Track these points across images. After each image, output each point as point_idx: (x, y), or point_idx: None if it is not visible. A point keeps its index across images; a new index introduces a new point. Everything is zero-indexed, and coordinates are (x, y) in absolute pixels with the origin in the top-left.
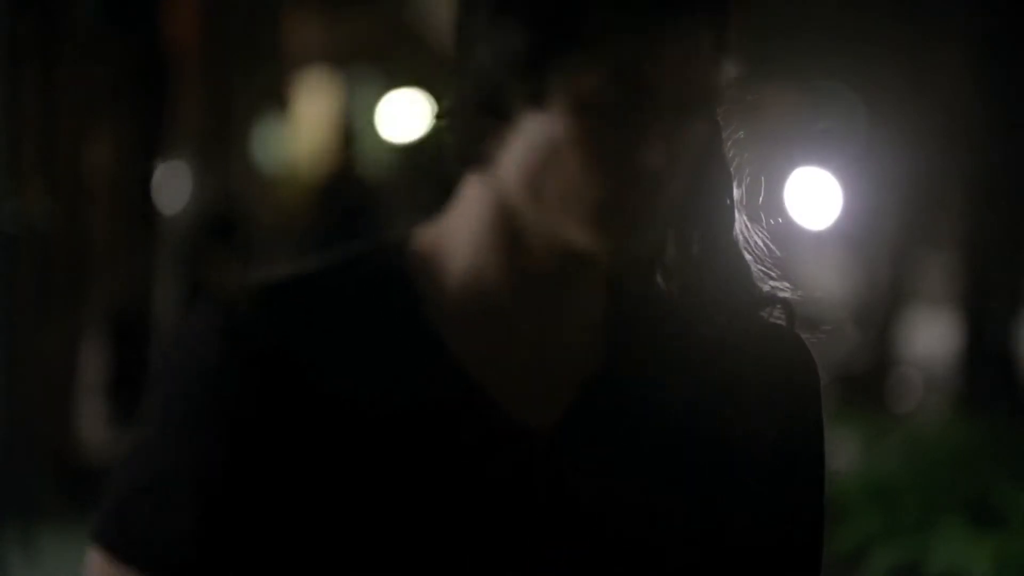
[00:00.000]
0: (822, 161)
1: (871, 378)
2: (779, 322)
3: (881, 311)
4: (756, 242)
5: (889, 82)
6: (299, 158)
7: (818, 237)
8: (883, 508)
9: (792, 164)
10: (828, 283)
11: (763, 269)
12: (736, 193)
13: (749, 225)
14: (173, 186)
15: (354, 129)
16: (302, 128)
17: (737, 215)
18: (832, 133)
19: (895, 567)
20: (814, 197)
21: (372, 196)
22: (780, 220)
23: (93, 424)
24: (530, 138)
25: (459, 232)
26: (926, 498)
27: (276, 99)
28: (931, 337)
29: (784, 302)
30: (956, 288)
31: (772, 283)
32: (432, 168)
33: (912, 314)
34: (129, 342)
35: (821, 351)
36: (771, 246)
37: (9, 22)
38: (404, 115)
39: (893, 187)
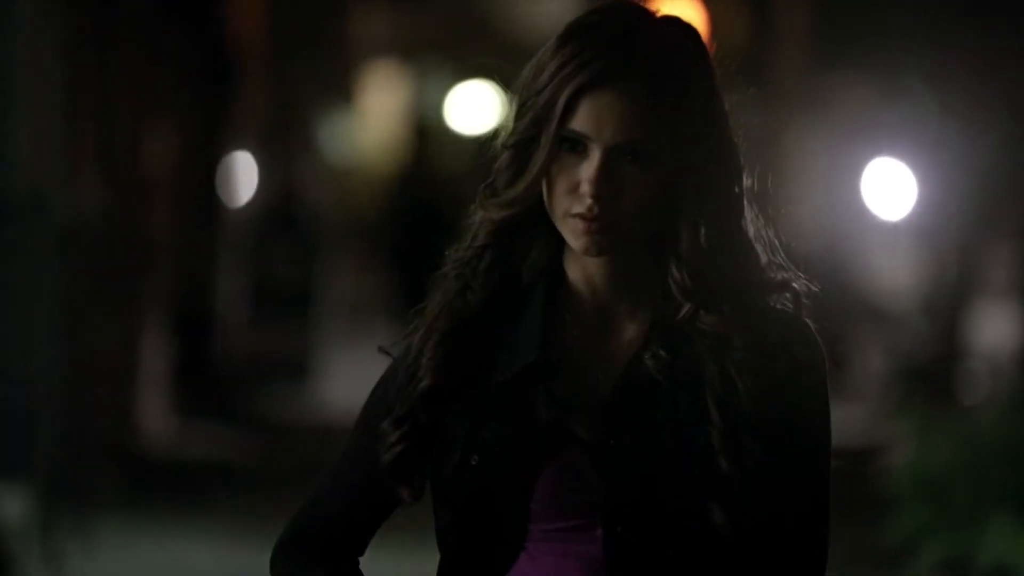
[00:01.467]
0: (896, 152)
1: (938, 370)
2: (787, 307)
3: (949, 302)
4: (768, 235)
5: (959, 75)
6: (366, 151)
7: (893, 228)
8: (934, 501)
9: (868, 155)
10: (900, 274)
11: (775, 260)
12: (746, 184)
13: (762, 218)
14: (237, 179)
15: (422, 121)
16: (369, 121)
17: (747, 208)
18: (904, 125)
19: (945, 560)
20: (889, 188)
21: (441, 188)
22: (851, 210)
23: (154, 415)
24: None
25: None
26: (977, 492)
27: (342, 92)
28: (999, 329)
29: (791, 289)
30: None
31: (782, 273)
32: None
33: (980, 305)
34: (190, 334)
35: (889, 342)
36: (782, 238)
37: (71, 14)
38: (472, 107)
39: (963, 179)
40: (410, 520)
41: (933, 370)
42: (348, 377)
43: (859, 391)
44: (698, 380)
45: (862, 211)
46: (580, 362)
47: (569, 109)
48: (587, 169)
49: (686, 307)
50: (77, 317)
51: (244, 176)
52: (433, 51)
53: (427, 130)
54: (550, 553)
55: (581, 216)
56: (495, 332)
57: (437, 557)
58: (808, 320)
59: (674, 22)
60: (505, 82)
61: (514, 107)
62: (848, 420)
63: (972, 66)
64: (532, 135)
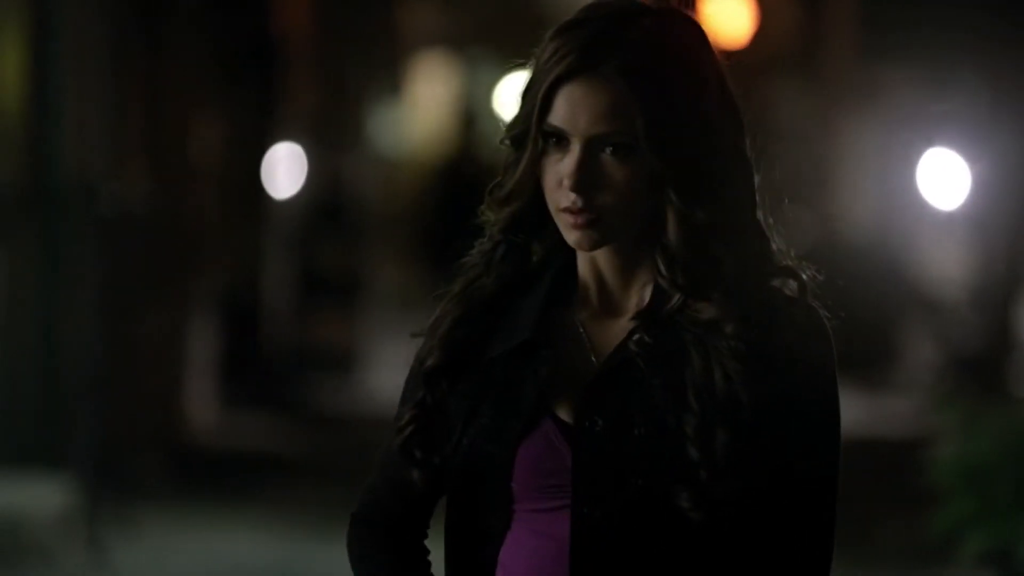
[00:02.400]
0: (949, 143)
1: (988, 361)
2: (792, 294)
3: (1000, 293)
4: (778, 226)
5: (1011, 64)
6: (414, 142)
7: (946, 219)
8: (979, 493)
9: (920, 146)
10: (951, 265)
11: (782, 249)
12: (756, 180)
13: (772, 209)
14: (284, 170)
15: (471, 112)
16: (417, 111)
17: (758, 200)
18: (956, 116)
19: (988, 552)
20: (942, 179)
21: (490, 179)
22: (909, 198)
23: (200, 405)
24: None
25: None
26: (1020, 483)
27: (391, 82)
28: None
29: (794, 275)
30: None
31: (784, 260)
32: None
33: None
34: (237, 325)
35: (940, 333)
36: (783, 230)
37: (120, 4)
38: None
39: (1015, 169)
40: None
41: (983, 361)
42: (394, 368)
43: (909, 382)
44: (680, 368)
45: (914, 202)
46: (576, 346)
47: (547, 103)
48: (568, 163)
49: (675, 297)
50: (123, 307)
51: (292, 167)
52: (483, 41)
53: (476, 121)
54: (530, 533)
55: (568, 210)
56: (501, 316)
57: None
58: (814, 305)
59: (666, 14)
60: None
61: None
62: (897, 411)
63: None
64: (523, 131)
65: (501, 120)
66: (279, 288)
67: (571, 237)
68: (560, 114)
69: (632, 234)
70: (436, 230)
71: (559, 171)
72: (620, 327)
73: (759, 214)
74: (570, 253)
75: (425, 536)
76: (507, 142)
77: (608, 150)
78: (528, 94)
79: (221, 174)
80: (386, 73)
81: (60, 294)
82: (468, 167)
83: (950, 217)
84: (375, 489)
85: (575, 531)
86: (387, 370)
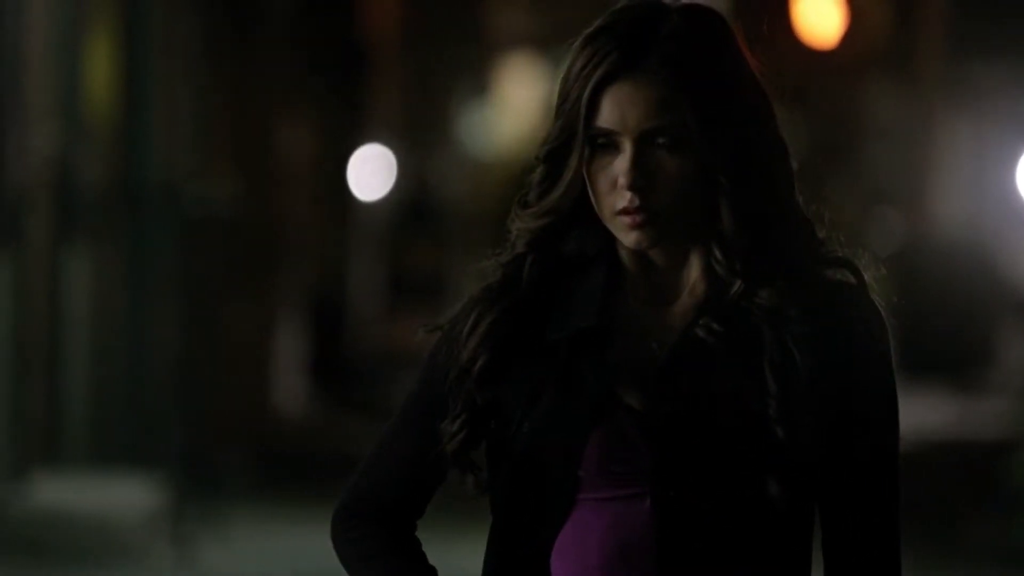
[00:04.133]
0: None
1: None
2: (847, 281)
3: None
4: (824, 213)
5: None
6: (503, 142)
7: None
8: None
9: (1017, 143)
10: None
11: (831, 237)
12: (795, 166)
13: (817, 200)
14: (372, 170)
15: None
16: (507, 112)
17: (797, 191)
18: None
19: None
20: None
21: None
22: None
23: (288, 405)
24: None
25: None
26: None
27: (480, 83)
28: None
29: (849, 264)
30: None
31: (840, 249)
32: None
33: None
34: (325, 325)
35: None
36: (830, 219)
37: (207, 6)
38: None
39: None
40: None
41: None
42: None
43: (1003, 385)
44: (754, 349)
45: (1010, 201)
46: (635, 332)
47: (593, 107)
48: (621, 163)
49: (736, 284)
50: (210, 307)
51: (379, 168)
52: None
53: None
54: (598, 522)
55: (625, 211)
56: (546, 305)
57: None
58: (872, 295)
59: (694, 9)
60: None
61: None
62: (990, 414)
63: None
64: (564, 140)
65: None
66: (366, 289)
67: (630, 238)
68: (608, 116)
69: (683, 229)
70: None
71: (611, 173)
72: (677, 315)
73: (800, 201)
74: (611, 250)
75: (415, 527)
76: (540, 157)
77: (660, 144)
78: (565, 104)
79: (308, 175)
80: (473, 74)
81: (148, 295)
82: None
83: None
84: (361, 487)
85: (660, 518)
86: None
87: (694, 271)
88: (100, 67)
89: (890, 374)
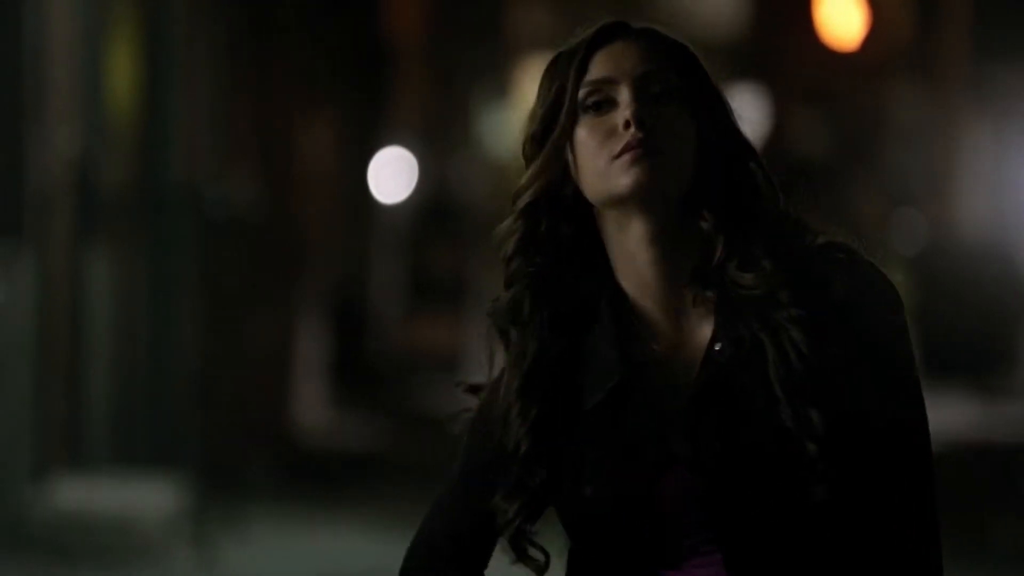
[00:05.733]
0: None
1: None
2: (847, 256)
3: None
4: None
5: None
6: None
7: None
8: None
9: None
10: None
11: (815, 224)
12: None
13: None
14: (393, 172)
15: None
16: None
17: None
18: None
19: None
20: None
21: None
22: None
23: (309, 407)
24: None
25: None
26: None
27: (501, 85)
28: None
29: (842, 244)
30: None
31: (829, 232)
32: None
33: None
34: (346, 327)
35: None
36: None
37: (229, 9)
38: None
39: None
40: None
41: None
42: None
43: None
44: (763, 363)
45: None
46: (661, 371)
47: (584, 70)
48: (622, 109)
49: (718, 252)
50: (231, 310)
51: (400, 170)
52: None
53: None
54: (683, 564)
55: (626, 147)
56: (571, 357)
57: None
58: (875, 266)
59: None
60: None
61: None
62: (1014, 416)
63: None
64: (551, 116)
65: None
66: (387, 291)
67: (629, 176)
68: (601, 68)
69: (679, 200)
70: None
71: (607, 124)
72: (693, 339)
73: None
74: (611, 282)
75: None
76: (527, 146)
77: (655, 93)
78: (548, 95)
79: (329, 177)
80: (495, 76)
81: (169, 296)
82: None
83: None
84: (433, 532)
85: (732, 567)
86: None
87: (690, 273)
88: (122, 68)
89: (902, 335)
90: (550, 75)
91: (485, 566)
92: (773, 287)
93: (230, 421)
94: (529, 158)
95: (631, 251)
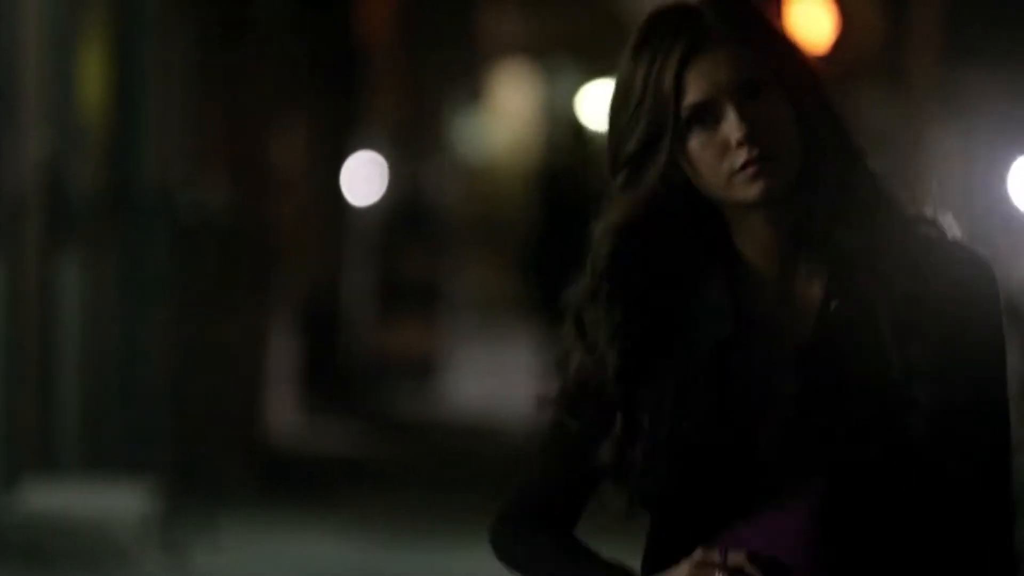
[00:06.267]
0: None
1: None
2: (937, 234)
3: None
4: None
5: None
6: (496, 149)
7: None
8: None
9: (1010, 153)
10: None
11: (908, 197)
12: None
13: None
14: (365, 176)
15: (553, 120)
16: (498, 118)
17: (869, 160)
18: None
19: None
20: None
21: (579, 185)
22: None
23: (281, 411)
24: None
25: None
26: None
27: (473, 89)
28: None
29: (933, 221)
30: None
31: (919, 208)
32: None
33: None
34: (318, 331)
35: None
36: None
37: (201, 11)
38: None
39: None
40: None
41: None
42: (475, 375)
43: None
44: (873, 322)
45: (1005, 212)
46: (772, 327)
47: (681, 90)
48: (728, 124)
49: (827, 216)
50: (203, 314)
51: (372, 173)
52: (563, 49)
53: (557, 128)
54: (762, 518)
55: (746, 164)
56: (670, 309)
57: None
58: (972, 248)
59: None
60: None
61: (609, 133)
62: None
63: None
64: (650, 135)
65: (593, 145)
66: (359, 295)
67: (753, 190)
68: (698, 90)
69: (790, 185)
70: (525, 238)
71: (716, 141)
72: (805, 299)
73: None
74: (725, 247)
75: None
76: (623, 162)
77: (753, 97)
78: (639, 105)
79: (301, 181)
80: (467, 81)
81: (141, 301)
82: (557, 175)
83: None
84: (525, 495)
85: (827, 510)
86: (468, 377)
87: (808, 251)
88: (93, 72)
89: (998, 322)
90: (642, 82)
91: (578, 518)
92: (881, 251)
93: (202, 426)
94: (628, 165)
95: (748, 221)
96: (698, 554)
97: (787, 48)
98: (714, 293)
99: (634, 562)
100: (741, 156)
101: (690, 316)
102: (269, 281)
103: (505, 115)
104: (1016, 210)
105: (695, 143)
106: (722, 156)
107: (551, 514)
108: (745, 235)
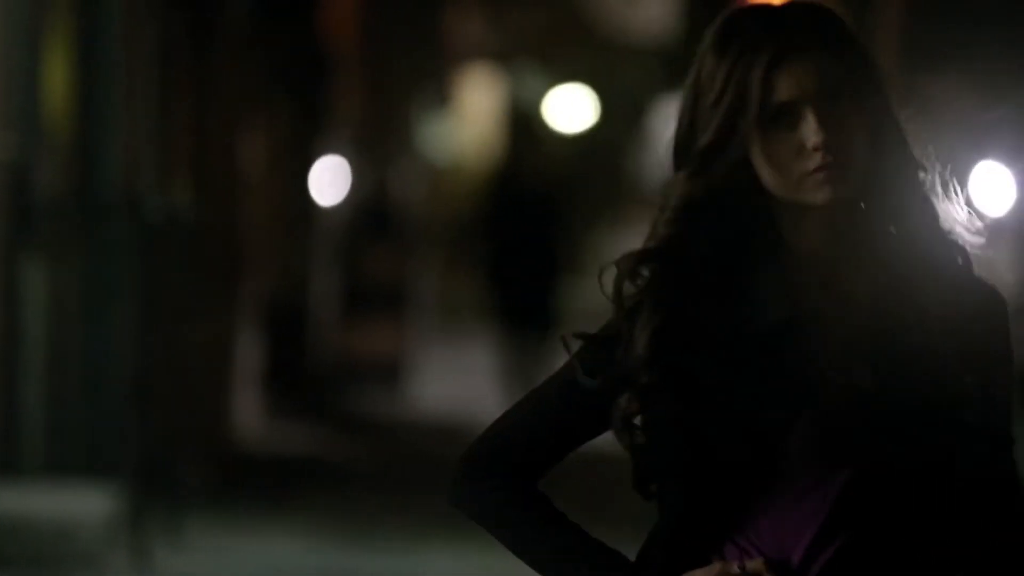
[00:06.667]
0: (999, 155)
1: None
2: (963, 253)
3: None
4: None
5: None
6: (462, 152)
7: (994, 232)
8: None
9: (970, 158)
10: (1003, 273)
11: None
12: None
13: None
14: (331, 179)
15: (517, 122)
16: (463, 121)
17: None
18: (1008, 127)
19: None
20: (990, 187)
21: (542, 188)
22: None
23: (246, 414)
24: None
25: None
26: None
27: (437, 92)
28: None
29: (964, 244)
30: None
31: (961, 224)
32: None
33: None
34: (283, 333)
35: None
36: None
37: (167, 16)
38: (570, 109)
39: None
40: None
41: None
42: (440, 377)
43: None
44: (920, 312)
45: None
46: (823, 317)
47: (768, 86)
48: (807, 128)
49: (879, 216)
50: (170, 316)
51: (338, 176)
52: (528, 53)
53: (526, 131)
54: (791, 505)
55: (819, 168)
56: (719, 291)
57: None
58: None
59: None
60: (600, 83)
61: (680, 124)
62: None
63: None
64: (726, 129)
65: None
66: (325, 297)
67: (822, 194)
68: (785, 90)
69: (857, 188)
70: (487, 241)
71: (794, 141)
72: (858, 289)
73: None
74: (772, 235)
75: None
76: (690, 157)
77: (834, 103)
78: (723, 99)
79: (268, 184)
80: (432, 84)
81: (106, 304)
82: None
83: (999, 230)
84: (505, 435)
85: (852, 502)
86: (433, 379)
87: (861, 246)
88: (58, 74)
89: (1010, 345)
90: (725, 77)
91: (545, 474)
92: (928, 260)
93: (167, 427)
94: (700, 155)
95: (807, 220)
96: (717, 566)
97: (864, 57)
98: (770, 280)
99: (627, 550)
100: (815, 160)
101: (742, 300)
102: (234, 284)
103: (470, 118)
104: (978, 214)
105: (771, 142)
106: (796, 157)
107: (518, 465)
108: (801, 233)
